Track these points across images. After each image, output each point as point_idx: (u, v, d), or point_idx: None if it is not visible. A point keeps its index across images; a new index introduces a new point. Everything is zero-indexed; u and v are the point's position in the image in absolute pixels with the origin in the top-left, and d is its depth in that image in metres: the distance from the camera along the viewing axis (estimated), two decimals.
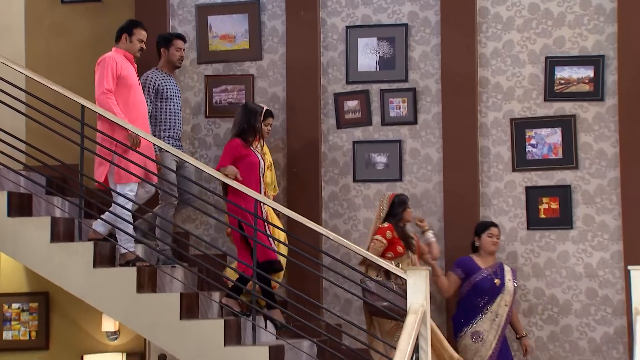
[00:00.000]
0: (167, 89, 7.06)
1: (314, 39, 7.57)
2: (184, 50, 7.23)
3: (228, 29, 7.79)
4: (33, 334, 7.45)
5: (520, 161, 7.22)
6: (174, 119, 7.10)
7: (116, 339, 7.41)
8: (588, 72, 7.13)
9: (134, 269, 6.33)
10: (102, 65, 6.50)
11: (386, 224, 6.80)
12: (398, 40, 7.47)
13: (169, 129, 7.06)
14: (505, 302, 6.75)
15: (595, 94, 7.11)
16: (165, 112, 7.06)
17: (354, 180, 7.52)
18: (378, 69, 7.52)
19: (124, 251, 6.41)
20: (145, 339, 7.28)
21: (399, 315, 6.47)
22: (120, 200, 6.36)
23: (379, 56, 7.52)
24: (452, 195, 7.24)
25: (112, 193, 6.44)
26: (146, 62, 7.07)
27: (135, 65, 6.73)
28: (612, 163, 7.06)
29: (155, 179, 6.57)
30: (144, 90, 6.88)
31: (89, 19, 7.98)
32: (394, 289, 6.45)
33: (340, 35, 7.60)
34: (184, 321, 6.24)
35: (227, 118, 7.73)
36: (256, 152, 6.67)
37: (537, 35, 7.26)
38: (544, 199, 7.15)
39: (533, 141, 7.21)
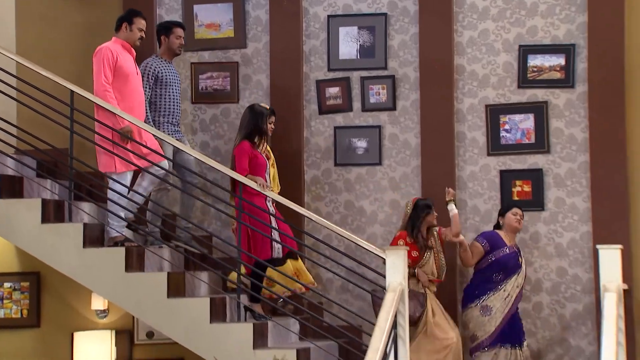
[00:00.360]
0: (166, 76, 7.00)
1: (297, 28, 7.57)
2: (183, 37, 7.16)
3: (213, 18, 7.77)
4: (25, 312, 7.41)
5: (495, 146, 7.24)
6: (173, 106, 7.05)
7: (105, 316, 7.40)
8: (559, 60, 7.15)
9: (123, 249, 6.33)
10: (98, 57, 6.46)
11: (398, 233, 6.79)
12: (378, 29, 7.48)
13: (168, 115, 7.02)
14: (518, 283, 6.76)
15: (567, 81, 7.14)
16: (165, 98, 7.01)
17: (335, 164, 7.53)
18: (358, 57, 7.53)
19: (114, 234, 6.41)
20: (133, 317, 7.28)
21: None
22: (117, 187, 6.36)
23: (360, 44, 7.53)
24: (430, 178, 7.26)
25: (109, 180, 6.44)
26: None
27: (135, 53, 6.67)
28: (582, 147, 7.10)
29: (159, 167, 6.50)
30: (143, 77, 6.84)
31: (79, 9, 7.91)
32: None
33: (322, 24, 7.60)
34: (171, 299, 6.26)
35: (212, 104, 7.75)
36: (262, 154, 6.68)
37: (511, 24, 7.28)
38: (517, 182, 7.18)
39: (507, 126, 7.24)
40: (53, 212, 6.47)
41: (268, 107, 6.93)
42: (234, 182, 6.44)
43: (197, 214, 7.66)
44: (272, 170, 7.03)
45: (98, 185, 6.85)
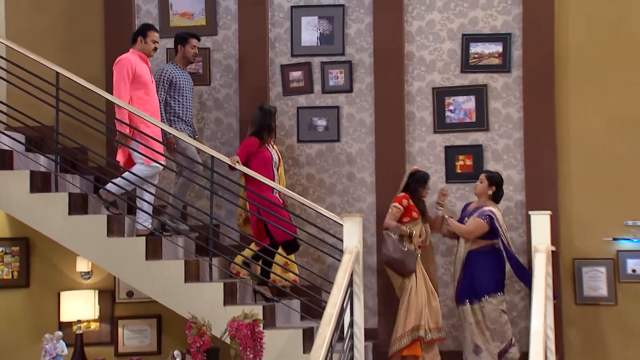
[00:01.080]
0: (180, 81, 7.02)
1: (263, 17, 7.57)
2: (197, 47, 7.16)
3: (187, 7, 7.75)
4: (15, 273, 7.38)
5: (440, 124, 7.30)
6: (186, 108, 7.07)
7: (89, 278, 7.39)
8: (497, 48, 7.21)
9: (105, 216, 6.37)
10: (120, 67, 6.52)
11: (402, 194, 6.72)
12: (336, 18, 7.50)
13: (182, 116, 7.03)
14: (464, 240, 6.63)
15: (504, 67, 7.19)
16: (179, 101, 7.02)
17: (298, 141, 7.55)
18: (319, 44, 7.54)
19: (107, 196, 6.46)
20: (115, 278, 7.29)
21: (405, 272, 6.53)
22: (126, 174, 6.43)
23: (320, 32, 7.56)
24: (383, 153, 7.31)
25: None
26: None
27: (149, 64, 6.74)
28: (517, 126, 7.16)
29: (163, 160, 6.59)
30: (159, 82, 6.88)
31: None
32: (404, 249, 6.52)
33: (285, 13, 7.62)
34: (150, 261, 6.31)
35: None
36: (269, 148, 6.72)
37: (455, 15, 7.34)
38: (460, 157, 7.23)
39: (451, 107, 7.29)
40: (41, 183, 6.48)
41: (275, 109, 6.97)
42: (245, 177, 6.55)
43: (171, 186, 7.63)
44: (280, 169, 7.01)
45: (82, 159, 6.87)
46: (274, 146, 6.98)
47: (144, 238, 6.34)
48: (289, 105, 7.58)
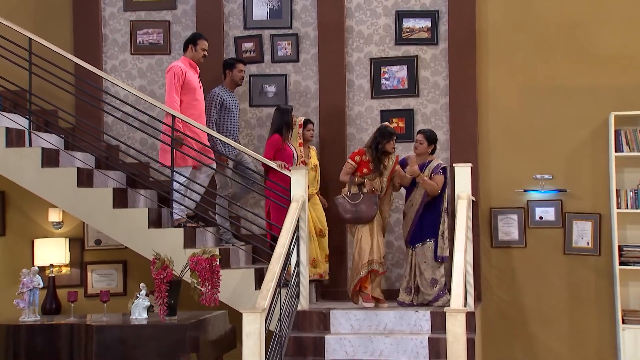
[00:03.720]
0: (229, 103, 7.01)
1: None
2: (244, 71, 7.15)
3: None
4: None
5: (377, 91, 7.38)
6: (234, 126, 7.07)
7: (60, 227, 7.39)
8: (427, 23, 7.30)
9: (75, 168, 6.36)
10: (171, 74, 6.53)
11: (357, 149, 6.59)
12: None
13: (230, 134, 7.02)
14: (419, 194, 6.53)
15: (432, 40, 7.29)
16: (227, 121, 7.01)
17: (250, 105, 7.58)
18: (269, 18, 7.57)
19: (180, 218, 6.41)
20: (84, 227, 7.30)
21: (364, 221, 6.40)
22: (175, 177, 6.38)
23: (270, 8, 7.58)
24: (326, 116, 7.37)
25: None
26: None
27: (199, 70, 6.76)
28: (443, 92, 7.28)
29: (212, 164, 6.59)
30: (211, 104, 6.88)
31: None
32: (355, 202, 6.41)
33: None
34: (116, 210, 6.34)
35: (148, 55, 7.70)
36: (290, 146, 6.73)
37: None
38: (394, 119, 7.30)
39: (386, 75, 7.38)
40: (15, 139, 6.44)
41: (291, 107, 6.95)
42: (267, 169, 6.62)
43: (137, 145, 7.60)
44: (314, 173, 6.83)
45: (54, 118, 6.83)
46: (311, 151, 6.95)
47: (111, 189, 6.37)
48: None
